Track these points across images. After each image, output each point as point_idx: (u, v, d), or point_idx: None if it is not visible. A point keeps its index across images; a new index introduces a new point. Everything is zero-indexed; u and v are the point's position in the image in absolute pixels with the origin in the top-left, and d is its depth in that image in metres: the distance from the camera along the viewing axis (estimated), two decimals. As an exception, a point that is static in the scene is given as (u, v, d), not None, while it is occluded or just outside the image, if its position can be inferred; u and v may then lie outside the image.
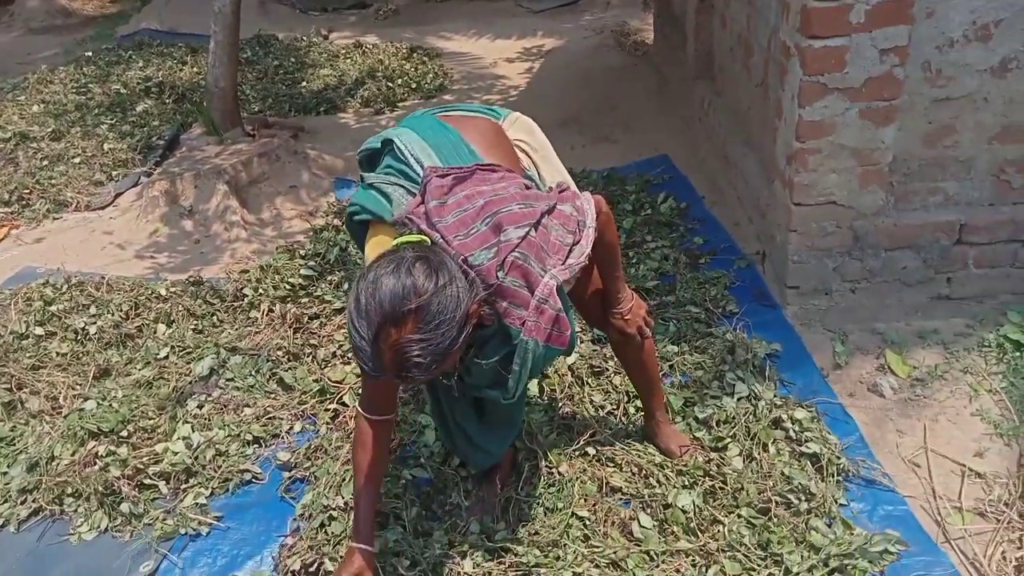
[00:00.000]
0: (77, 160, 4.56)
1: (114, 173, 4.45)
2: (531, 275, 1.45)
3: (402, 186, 1.59)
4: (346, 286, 3.01)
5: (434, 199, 1.48)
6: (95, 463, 2.26)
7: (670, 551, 1.83)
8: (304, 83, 5.79)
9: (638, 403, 2.22)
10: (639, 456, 2.11)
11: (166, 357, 2.74)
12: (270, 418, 2.43)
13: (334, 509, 2.01)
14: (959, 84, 2.42)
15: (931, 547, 1.85)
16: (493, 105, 1.97)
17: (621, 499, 2.01)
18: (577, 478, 2.05)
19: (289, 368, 2.62)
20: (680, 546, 1.83)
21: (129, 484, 2.19)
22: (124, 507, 2.14)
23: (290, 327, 2.81)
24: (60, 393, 2.58)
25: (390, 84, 5.64)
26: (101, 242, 3.79)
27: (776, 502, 1.91)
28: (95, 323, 2.90)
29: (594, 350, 2.53)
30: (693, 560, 1.81)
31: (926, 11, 2.32)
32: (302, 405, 2.47)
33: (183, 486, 2.21)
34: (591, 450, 2.14)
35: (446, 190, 1.50)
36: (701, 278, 2.88)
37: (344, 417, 2.40)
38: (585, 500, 1.99)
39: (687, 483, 2.01)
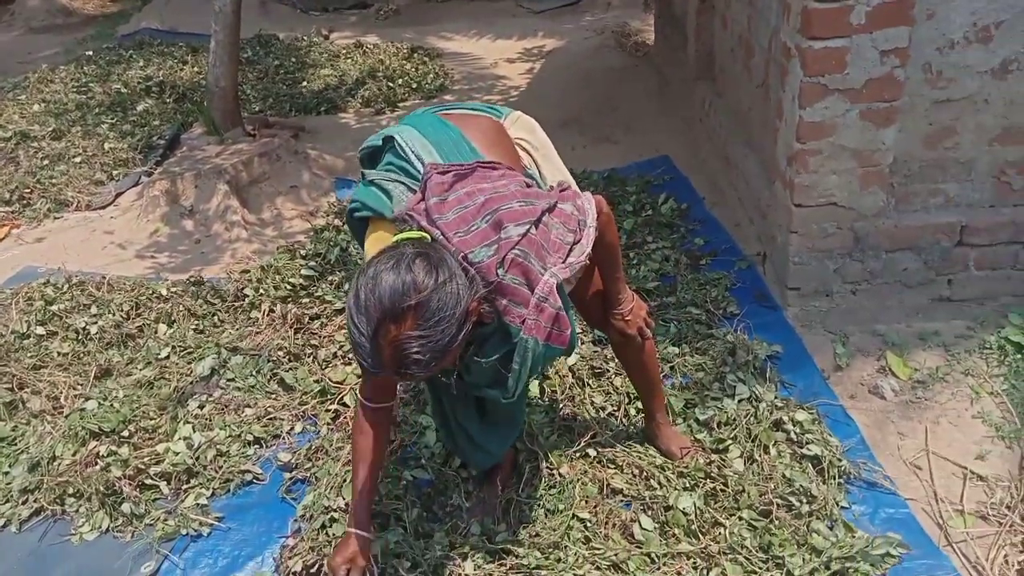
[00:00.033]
0: (78, 159, 4.56)
1: (115, 172, 4.45)
2: (531, 273, 1.45)
3: (403, 183, 1.59)
4: (347, 287, 3.01)
5: (435, 196, 1.48)
6: (96, 463, 2.26)
7: (671, 553, 1.83)
8: (305, 83, 5.79)
9: (639, 404, 2.22)
10: (640, 458, 2.11)
11: (167, 357, 2.74)
12: (271, 418, 2.43)
13: (335, 510, 2.01)
14: (960, 86, 2.42)
15: (933, 550, 1.85)
16: (494, 104, 1.97)
17: (622, 501, 2.01)
18: (578, 480, 2.05)
19: (290, 368, 2.62)
20: (681, 548, 1.83)
21: (130, 484, 2.19)
22: (125, 507, 2.14)
23: (291, 327, 2.82)
24: (61, 393, 2.58)
25: (391, 84, 5.64)
26: (102, 242, 3.79)
27: (777, 504, 1.91)
28: (96, 323, 2.90)
29: (595, 351, 2.53)
30: (694, 562, 1.81)
31: (927, 12, 2.32)
32: (303, 406, 2.48)
33: (184, 486, 2.22)
34: (592, 451, 2.14)
35: (447, 187, 1.50)
36: (702, 279, 2.89)
37: (345, 418, 2.40)
38: (586, 502, 1.99)
39: (688, 485, 2.01)
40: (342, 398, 2.47)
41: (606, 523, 1.94)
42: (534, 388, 2.37)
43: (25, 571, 2.05)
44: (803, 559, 1.77)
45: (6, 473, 2.30)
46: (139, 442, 2.35)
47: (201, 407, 2.48)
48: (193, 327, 2.90)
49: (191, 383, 2.59)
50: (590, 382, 2.42)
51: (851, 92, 2.36)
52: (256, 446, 2.35)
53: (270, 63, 6.16)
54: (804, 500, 1.92)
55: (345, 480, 2.10)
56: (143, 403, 2.49)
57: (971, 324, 2.51)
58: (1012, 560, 1.79)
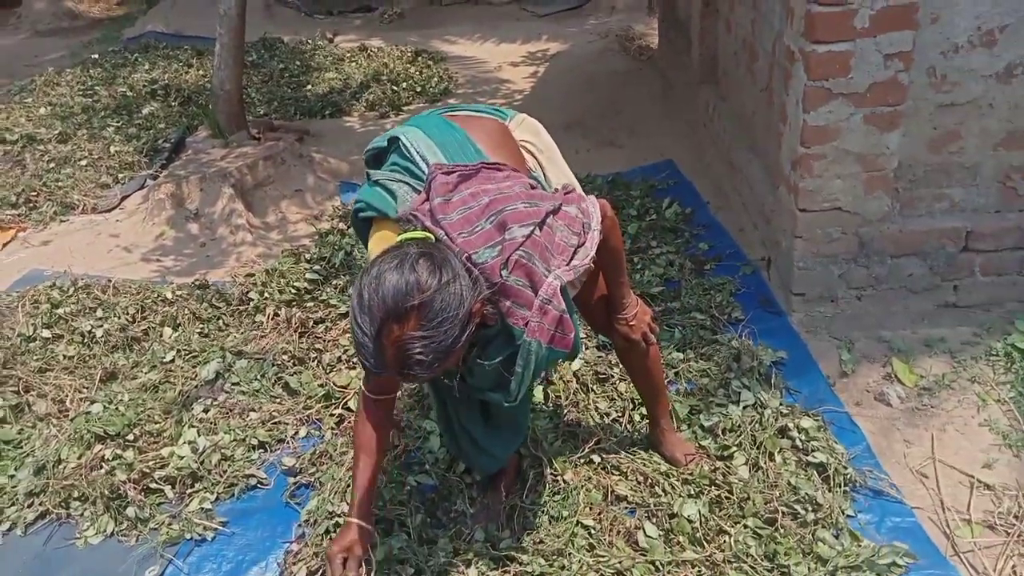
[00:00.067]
0: (84, 162, 4.58)
1: (120, 176, 4.47)
2: (535, 275, 1.44)
3: (407, 183, 1.58)
4: (351, 290, 3.01)
5: (439, 196, 1.48)
6: (101, 467, 2.26)
7: (676, 561, 1.82)
8: (309, 86, 5.81)
9: (643, 410, 2.22)
10: (644, 464, 2.10)
11: (172, 361, 2.74)
12: (275, 423, 2.43)
13: (339, 515, 2.00)
14: (964, 90, 2.41)
15: (940, 560, 1.84)
16: (499, 107, 1.97)
17: (626, 508, 2.01)
18: (582, 486, 2.05)
19: (294, 372, 2.62)
20: (686, 556, 1.82)
21: (135, 488, 2.20)
22: (130, 511, 2.14)
23: (295, 331, 2.82)
24: (67, 396, 2.59)
25: (395, 88, 5.65)
26: (107, 245, 3.80)
27: (783, 512, 1.90)
28: (102, 326, 2.90)
29: (599, 356, 2.53)
30: (699, 570, 1.80)
31: (931, 16, 2.31)
32: (307, 410, 2.48)
33: (189, 491, 2.22)
34: (596, 458, 2.13)
35: (451, 187, 1.49)
36: (706, 284, 2.88)
37: (349, 423, 2.40)
38: (590, 508, 1.99)
39: (693, 492, 2.00)
40: (346, 402, 2.47)
41: (610, 530, 1.93)
42: (538, 394, 2.36)
43: (30, 574, 2.05)
44: (808, 568, 1.76)
45: (12, 476, 2.30)
46: (144, 446, 2.35)
47: (206, 411, 2.49)
48: (198, 331, 2.90)
49: (196, 387, 2.59)
50: (594, 388, 2.41)
51: (855, 96, 2.36)
52: (260, 450, 2.35)
53: (275, 66, 6.18)
54: (809, 508, 1.91)
55: (349, 486, 2.10)
56: (148, 407, 2.49)
57: (977, 330, 2.50)
58: (1020, 571, 1.78)
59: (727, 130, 3.55)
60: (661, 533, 1.90)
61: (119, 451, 2.30)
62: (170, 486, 2.22)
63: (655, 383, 2.07)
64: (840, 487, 1.98)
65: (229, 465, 2.28)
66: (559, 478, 2.09)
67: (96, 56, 6.72)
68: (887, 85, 2.35)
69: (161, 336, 2.89)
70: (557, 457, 2.14)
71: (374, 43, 6.88)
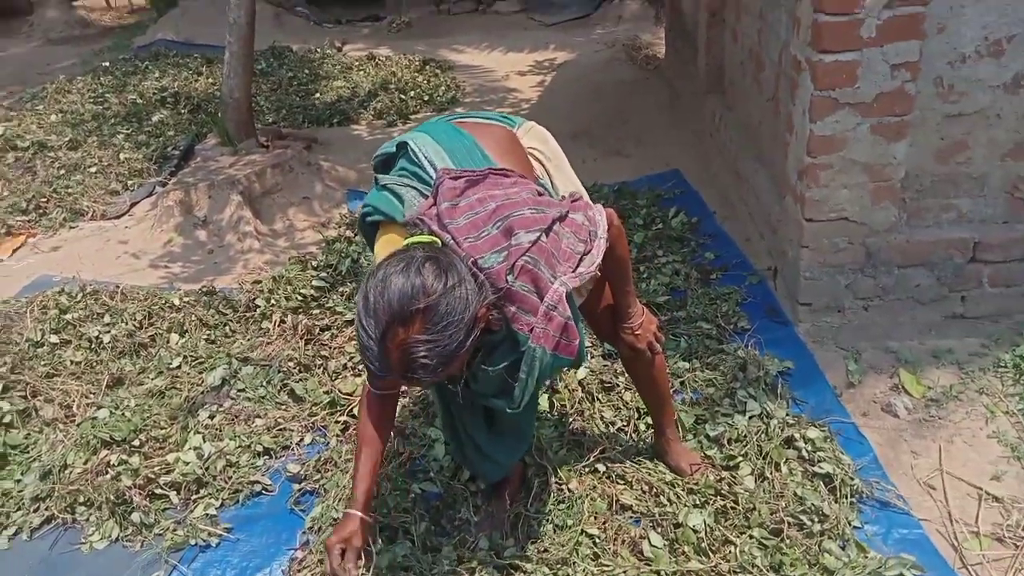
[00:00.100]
0: (93, 169, 4.61)
1: (130, 183, 4.50)
2: (541, 280, 1.44)
3: (415, 188, 1.59)
4: (357, 294, 3.02)
5: (446, 201, 1.48)
6: (107, 472, 2.27)
7: (681, 571, 1.81)
8: (318, 95, 5.84)
9: (649, 420, 2.21)
10: (650, 474, 2.10)
11: (178, 367, 2.75)
12: (280, 429, 2.44)
13: (343, 522, 2.00)
14: (971, 100, 2.41)
15: (948, 572, 1.82)
16: (508, 114, 1.98)
17: (631, 517, 2.00)
18: (587, 495, 2.04)
19: (300, 379, 2.63)
20: (691, 566, 1.82)
21: (140, 494, 2.20)
22: (135, 516, 2.14)
23: (301, 338, 2.83)
24: (74, 401, 2.60)
25: (403, 96, 5.68)
26: (116, 251, 3.82)
27: (788, 523, 1.89)
28: (109, 332, 2.92)
29: (605, 365, 2.53)
30: (704, 580, 1.80)
31: (938, 26, 2.32)
32: (312, 417, 2.48)
33: (193, 496, 2.22)
34: (601, 467, 2.13)
35: (458, 192, 1.50)
36: (712, 294, 2.88)
37: (354, 429, 2.40)
38: (595, 518, 1.98)
39: (698, 502, 1.99)
40: (351, 410, 2.47)
41: (615, 539, 1.92)
42: (544, 402, 2.36)
43: (35, 579, 2.06)
44: (814, 578, 1.75)
45: (18, 481, 2.31)
46: (150, 451, 2.36)
47: (211, 417, 2.49)
48: (205, 337, 2.91)
49: (202, 393, 2.60)
50: (600, 397, 2.41)
51: (862, 106, 2.36)
52: (266, 457, 2.35)
53: (284, 75, 6.22)
54: (816, 519, 1.90)
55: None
56: (154, 412, 2.50)
57: (985, 342, 2.49)
58: (1028, 583, 1.76)
59: (733, 140, 3.56)
60: (666, 543, 1.89)
61: (125, 456, 2.31)
62: (175, 492, 2.22)
63: (661, 392, 2.06)
64: (847, 498, 1.97)
65: (234, 471, 2.28)
66: (564, 487, 2.08)
67: (107, 64, 6.79)
68: (894, 95, 2.35)
69: (168, 342, 2.90)
70: (562, 466, 2.14)
71: (382, 52, 6.93)
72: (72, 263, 3.67)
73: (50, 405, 2.59)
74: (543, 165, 1.81)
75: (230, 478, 2.25)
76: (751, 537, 1.88)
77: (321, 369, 2.68)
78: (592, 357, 2.56)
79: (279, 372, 2.65)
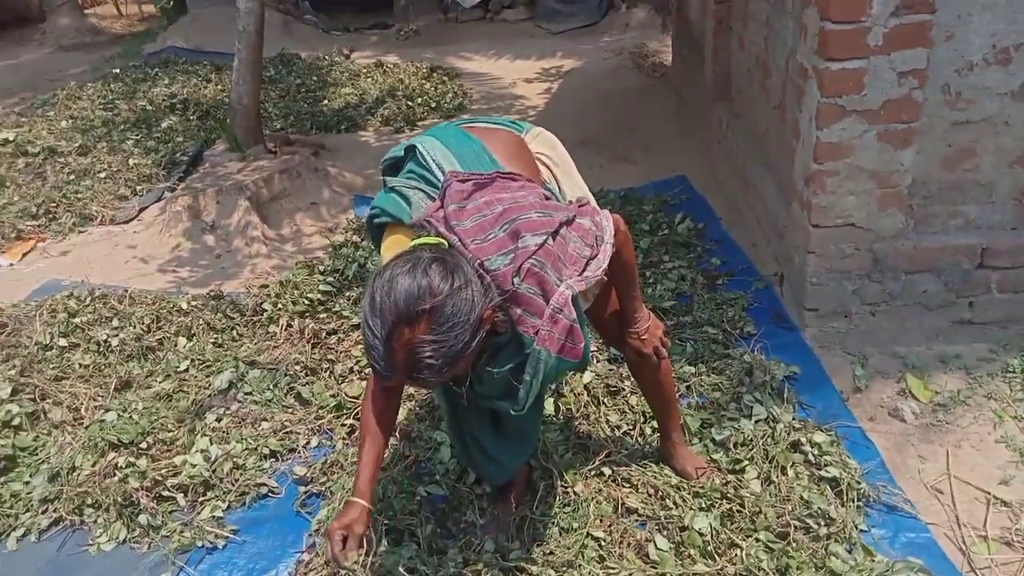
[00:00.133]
0: (103, 175, 4.65)
1: (138, 188, 4.53)
2: (547, 283, 1.45)
3: (422, 190, 1.60)
4: (364, 294, 3.03)
5: (453, 203, 1.49)
6: (115, 474, 2.28)
7: (687, 574, 1.81)
8: (325, 101, 5.88)
9: (654, 424, 2.21)
10: (655, 477, 2.09)
11: (186, 370, 2.77)
12: (287, 432, 2.44)
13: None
14: (979, 107, 2.41)
15: (955, 576, 1.82)
16: (516, 120, 1.99)
17: (637, 520, 2.00)
18: (593, 498, 2.04)
19: (307, 383, 2.64)
20: (697, 569, 1.81)
21: (148, 496, 2.21)
22: (142, 518, 2.15)
23: (308, 342, 2.84)
24: (82, 404, 2.62)
25: (410, 103, 5.71)
26: (125, 256, 3.85)
27: (795, 526, 1.89)
28: (117, 335, 2.94)
29: (610, 370, 2.53)
30: (710, 584, 1.79)
31: (945, 34, 2.32)
32: (319, 420, 2.49)
33: (200, 499, 2.23)
34: (607, 470, 2.13)
35: (466, 195, 1.51)
36: (718, 299, 2.88)
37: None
38: (600, 521, 1.98)
39: (704, 505, 1.99)
40: (358, 413, 2.48)
41: (621, 542, 1.92)
42: (549, 406, 2.36)
43: (43, 580, 2.07)
44: (821, 583, 1.74)
45: (27, 483, 2.32)
46: (157, 454, 2.37)
47: (218, 420, 2.50)
48: (212, 341, 2.93)
49: (209, 396, 2.61)
50: (605, 400, 2.41)
51: (869, 113, 2.36)
52: (272, 459, 2.36)
53: (292, 82, 6.27)
54: (822, 522, 1.89)
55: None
56: (162, 415, 2.51)
57: (993, 347, 2.48)
58: (1037, 588, 1.75)
59: (740, 147, 3.56)
60: (672, 546, 1.89)
61: (132, 459, 2.32)
62: (182, 494, 2.23)
63: (666, 397, 2.06)
64: (853, 502, 1.96)
65: (241, 474, 2.29)
66: (569, 490, 2.08)
67: (117, 71, 6.85)
68: (901, 102, 2.35)
69: (175, 346, 2.92)
70: (568, 469, 2.14)
71: (390, 59, 6.97)
72: (81, 267, 3.70)
73: (58, 408, 2.60)
74: (551, 170, 1.82)
75: (237, 480, 2.26)
76: (757, 540, 1.87)
77: (327, 373, 2.69)
78: (598, 361, 2.56)
79: (286, 376, 2.66)
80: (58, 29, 9.36)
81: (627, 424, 2.31)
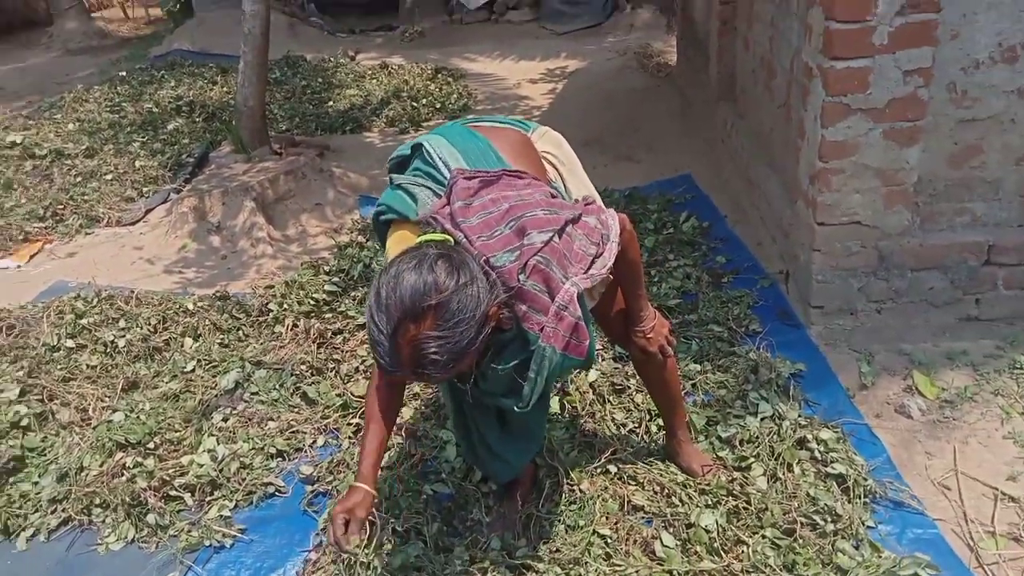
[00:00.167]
0: (109, 177, 4.68)
1: (145, 189, 4.56)
2: (552, 280, 1.45)
3: (428, 187, 1.61)
4: (369, 291, 3.03)
5: (460, 200, 1.50)
6: (123, 474, 2.29)
7: (693, 571, 1.81)
8: (331, 103, 5.90)
9: (660, 421, 2.21)
10: (661, 475, 2.09)
11: (192, 370, 2.78)
12: (293, 432, 2.45)
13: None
14: (985, 105, 2.40)
15: (963, 572, 1.81)
16: (522, 119, 2.00)
17: (643, 518, 2.00)
18: (599, 496, 2.04)
19: (313, 382, 2.64)
20: (703, 566, 1.81)
21: (155, 495, 2.22)
22: (150, 518, 2.16)
23: (314, 342, 2.85)
24: (90, 405, 2.63)
25: (415, 104, 5.72)
26: (131, 257, 3.87)
27: (801, 523, 1.88)
28: (124, 336, 2.95)
29: (616, 368, 2.53)
30: (717, 581, 1.79)
31: (951, 33, 2.32)
32: (325, 419, 2.49)
33: (208, 498, 2.24)
34: (613, 468, 2.13)
35: (472, 192, 1.51)
36: (724, 297, 2.88)
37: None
38: (607, 518, 1.98)
39: (710, 502, 1.99)
40: (363, 412, 2.48)
41: (627, 540, 1.92)
42: (555, 404, 2.37)
43: (52, 579, 2.08)
44: (828, 579, 1.74)
45: (35, 483, 2.34)
46: (164, 454, 2.38)
47: (225, 420, 2.51)
48: (218, 341, 2.94)
49: (216, 396, 2.62)
50: (611, 398, 2.41)
51: (874, 112, 2.36)
52: (279, 459, 2.37)
53: (297, 83, 6.28)
54: (829, 519, 1.89)
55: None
56: (169, 415, 2.52)
57: (1000, 344, 2.47)
58: (1045, 584, 1.75)
59: (745, 147, 3.56)
60: (678, 543, 1.89)
61: (140, 459, 2.33)
62: (190, 494, 2.24)
63: (672, 395, 2.06)
64: (860, 498, 1.96)
65: (248, 473, 2.30)
66: (575, 488, 2.09)
67: (124, 73, 6.89)
68: (907, 101, 2.35)
69: (182, 346, 2.93)
70: (573, 467, 2.14)
71: (395, 61, 6.98)
72: (88, 269, 3.72)
73: (66, 408, 2.62)
74: (557, 169, 1.83)
75: (244, 480, 2.27)
76: (764, 537, 1.87)
77: (333, 372, 2.69)
78: (603, 360, 2.56)
79: (292, 375, 2.67)
80: (65, 33, 9.41)
81: (633, 422, 2.31)
